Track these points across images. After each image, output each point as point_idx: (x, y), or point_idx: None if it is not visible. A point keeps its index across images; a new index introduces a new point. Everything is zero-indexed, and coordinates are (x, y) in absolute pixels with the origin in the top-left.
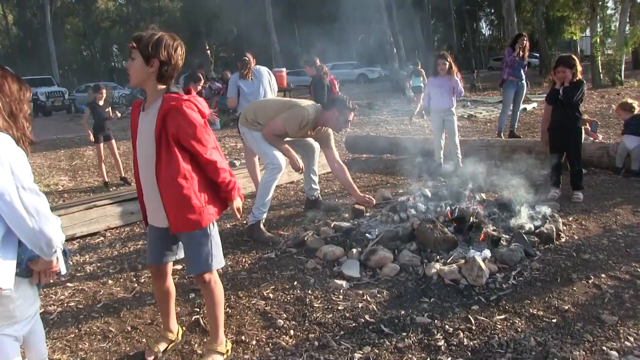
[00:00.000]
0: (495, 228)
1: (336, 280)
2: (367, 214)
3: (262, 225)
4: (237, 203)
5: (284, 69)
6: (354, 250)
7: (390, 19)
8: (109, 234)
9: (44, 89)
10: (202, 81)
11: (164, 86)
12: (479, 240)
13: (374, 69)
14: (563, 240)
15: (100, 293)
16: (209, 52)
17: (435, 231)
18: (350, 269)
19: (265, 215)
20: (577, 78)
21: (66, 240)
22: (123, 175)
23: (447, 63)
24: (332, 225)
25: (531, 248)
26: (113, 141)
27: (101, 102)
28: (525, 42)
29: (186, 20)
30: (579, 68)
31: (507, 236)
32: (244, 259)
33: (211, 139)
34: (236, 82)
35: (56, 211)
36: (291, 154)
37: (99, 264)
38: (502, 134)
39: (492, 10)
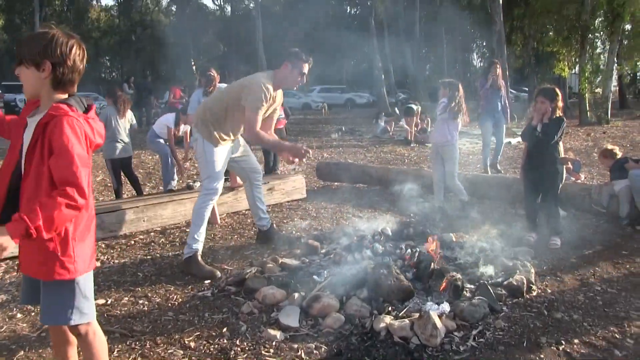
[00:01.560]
0: (459, 276)
1: (270, 330)
2: (322, 251)
3: (199, 258)
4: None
5: None
6: (296, 295)
7: (380, 45)
8: None
9: (23, 95)
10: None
11: (64, 95)
12: (440, 289)
13: (362, 94)
14: (534, 293)
15: (2, 329)
16: (194, 67)
17: (390, 278)
18: (288, 316)
19: (201, 246)
20: (557, 114)
21: None
22: None
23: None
24: (279, 262)
25: (497, 303)
26: None
27: None
28: (498, 69)
29: (174, 35)
30: (560, 104)
31: (472, 286)
32: (175, 297)
33: (79, 173)
34: (199, 99)
35: None
36: (285, 145)
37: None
38: (488, 169)
39: (484, 43)
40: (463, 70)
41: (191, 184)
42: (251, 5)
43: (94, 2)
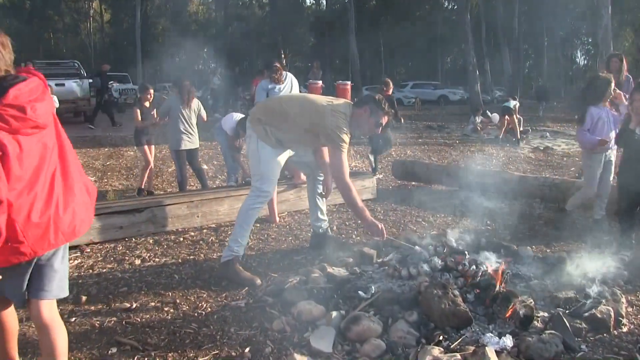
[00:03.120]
0: (530, 302)
1: (296, 355)
2: (378, 261)
3: (238, 263)
4: None
5: (349, 82)
6: (334, 313)
7: (475, 42)
8: (88, 250)
9: (118, 85)
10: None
11: None
12: (505, 316)
13: (456, 91)
14: (625, 329)
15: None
16: (284, 59)
17: (444, 300)
18: (321, 339)
19: (243, 250)
20: None
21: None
22: (141, 186)
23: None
24: (326, 272)
25: (573, 339)
26: (153, 147)
27: (147, 104)
28: (619, 64)
29: (267, 27)
30: None
31: (546, 314)
32: (205, 305)
33: None
34: (266, 88)
35: None
36: (366, 218)
37: None
38: None
39: (589, 39)
40: (565, 68)
41: (248, 179)
42: None
43: None
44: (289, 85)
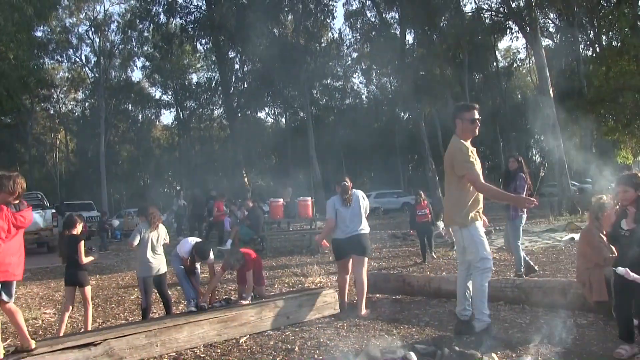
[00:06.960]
0: None
1: None
2: None
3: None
4: None
5: (309, 198)
6: None
7: (433, 147)
8: None
9: (84, 214)
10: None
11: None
12: None
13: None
14: None
15: None
16: (246, 179)
17: None
18: None
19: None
20: None
21: None
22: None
23: None
24: None
25: None
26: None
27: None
28: (516, 164)
29: (230, 148)
30: None
31: None
32: None
33: None
34: (335, 205)
35: None
36: (510, 196)
37: None
38: (523, 273)
39: (542, 137)
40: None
41: (203, 305)
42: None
43: (157, 122)
44: (358, 203)
